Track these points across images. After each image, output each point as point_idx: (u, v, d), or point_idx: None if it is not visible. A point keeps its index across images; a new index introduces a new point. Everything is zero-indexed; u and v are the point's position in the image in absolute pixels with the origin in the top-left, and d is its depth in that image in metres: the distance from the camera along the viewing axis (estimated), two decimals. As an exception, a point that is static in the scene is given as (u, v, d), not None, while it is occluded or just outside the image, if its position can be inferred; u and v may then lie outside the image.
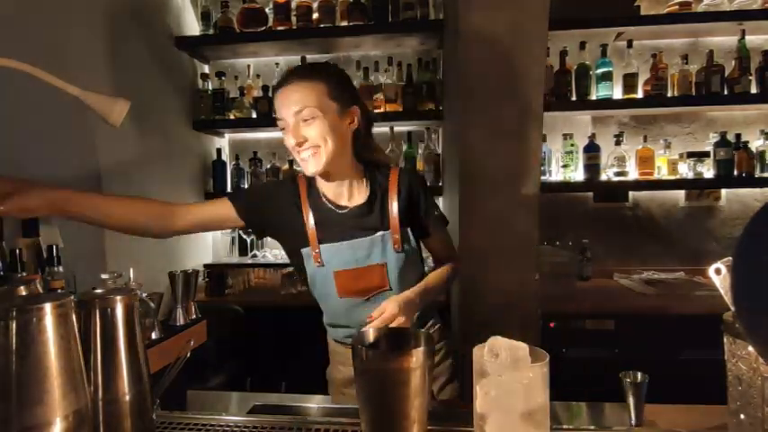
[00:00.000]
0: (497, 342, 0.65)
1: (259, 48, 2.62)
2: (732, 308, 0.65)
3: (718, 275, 0.64)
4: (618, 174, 2.40)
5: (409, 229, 1.18)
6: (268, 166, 2.63)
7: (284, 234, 1.23)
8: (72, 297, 0.61)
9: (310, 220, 1.16)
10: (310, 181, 1.21)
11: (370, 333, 0.76)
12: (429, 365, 0.68)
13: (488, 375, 0.62)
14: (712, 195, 2.57)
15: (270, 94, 2.56)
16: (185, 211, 1.19)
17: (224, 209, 1.18)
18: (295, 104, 1.08)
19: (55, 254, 1.34)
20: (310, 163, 1.10)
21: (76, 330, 0.61)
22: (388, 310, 1.02)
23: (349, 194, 1.18)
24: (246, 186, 1.32)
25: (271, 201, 1.21)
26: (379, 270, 1.14)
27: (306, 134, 1.08)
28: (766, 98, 2.29)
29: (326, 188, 1.19)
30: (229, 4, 2.54)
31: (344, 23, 2.46)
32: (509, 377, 0.61)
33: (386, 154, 1.25)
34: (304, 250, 1.17)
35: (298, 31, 2.47)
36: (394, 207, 1.16)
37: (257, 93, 2.62)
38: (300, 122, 1.08)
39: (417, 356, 0.65)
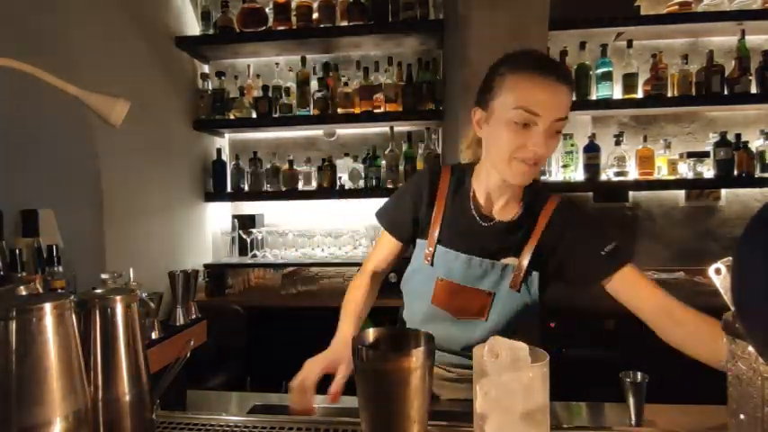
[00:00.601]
0: (497, 342, 0.65)
1: (259, 48, 2.62)
2: (732, 308, 0.64)
3: (719, 275, 0.64)
4: (618, 174, 2.40)
5: (538, 277, 1.04)
6: (268, 166, 2.63)
7: (419, 220, 1.13)
8: (72, 297, 0.61)
9: (440, 214, 1.07)
10: (461, 176, 1.10)
11: (370, 333, 0.75)
12: (429, 365, 0.66)
13: (488, 375, 0.62)
14: (712, 195, 2.57)
15: (270, 94, 2.57)
16: (382, 270, 1.20)
17: (392, 245, 1.17)
18: (562, 111, 0.91)
19: (55, 254, 1.34)
20: (525, 175, 0.94)
21: (76, 330, 0.61)
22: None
23: (502, 207, 1.06)
24: (387, 205, 1.20)
25: (408, 205, 1.13)
26: (484, 298, 1.03)
27: (548, 147, 0.92)
28: (766, 98, 2.29)
29: (482, 191, 1.06)
30: (229, 3, 2.54)
31: (344, 23, 2.46)
32: (509, 377, 0.61)
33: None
34: (420, 241, 1.10)
35: (298, 31, 2.47)
36: (535, 241, 1.03)
37: (257, 93, 2.62)
38: (551, 131, 0.91)
39: (417, 356, 0.64)
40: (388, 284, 2.35)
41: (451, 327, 1.07)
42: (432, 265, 1.07)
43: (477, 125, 1.01)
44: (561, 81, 0.90)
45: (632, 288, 1.00)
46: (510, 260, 1.04)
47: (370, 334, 0.74)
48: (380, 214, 1.20)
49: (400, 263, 1.22)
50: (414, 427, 0.65)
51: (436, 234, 1.07)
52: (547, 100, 0.89)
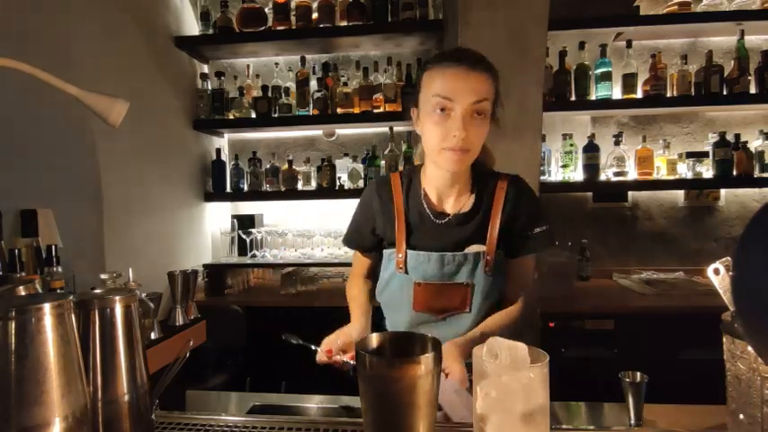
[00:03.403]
0: (497, 342, 0.64)
1: (258, 47, 2.62)
2: (731, 308, 0.65)
3: (717, 276, 0.64)
4: (617, 174, 2.40)
5: (503, 254, 1.08)
6: (267, 166, 2.63)
7: (380, 232, 1.14)
8: (71, 297, 0.61)
9: (402, 221, 1.08)
10: (411, 177, 1.12)
11: (374, 338, 0.72)
12: (437, 372, 0.64)
13: (488, 376, 0.62)
14: (711, 195, 2.57)
15: (269, 94, 2.57)
16: (368, 273, 1.24)
17: (365, 258, 1.22)
18: (476, 94, 0.94)
19: (54, 254, 1.33)
20: (456, 163, 0.97)
21: (75, 330, 0.61)
22: (456, 374, 0.91)
23: (455, 200, 1.07)
24: (348, 229, 1.20)
25: (362, 221, 1.16)
26: (464, 290, 1.05)
27: (472, 132, 0.95)
28: (765, 98, 2.29)
29: (432, 188, 1.08)
30: (229, 3, 2.54)
31: (344, 23, 2.46)
32: (509, 378, 0.60)
33: (493, 157, 1.15)
34: (387, 252, 1.10)
35: (297, 30, 2.47)
36: (496, 224, 1.05)
37: (257, 92, 2.62)
38: (471, 116, 0.95)
39: (425, 363, 0.61)
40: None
41: (438, 327, 1.08)
42: (406, 272, 1.07)
43: (415, 124, 1.05)
44: (473, 68, 0.94)
45: (516, 274, 1.11)
46: (476, 247, 1.06)
47: (374, 339, 0.72)
48: (345, 240, 1.23)
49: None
50: None
51: (403, 239, 1.07)
52: (459, 85, 0.94)
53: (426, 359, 0.62)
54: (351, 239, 1.20)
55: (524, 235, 1.07)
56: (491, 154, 1.15)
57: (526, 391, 0.60)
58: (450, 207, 1.08)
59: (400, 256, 1.07)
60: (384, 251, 1.12)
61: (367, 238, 1.16)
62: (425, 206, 1.08)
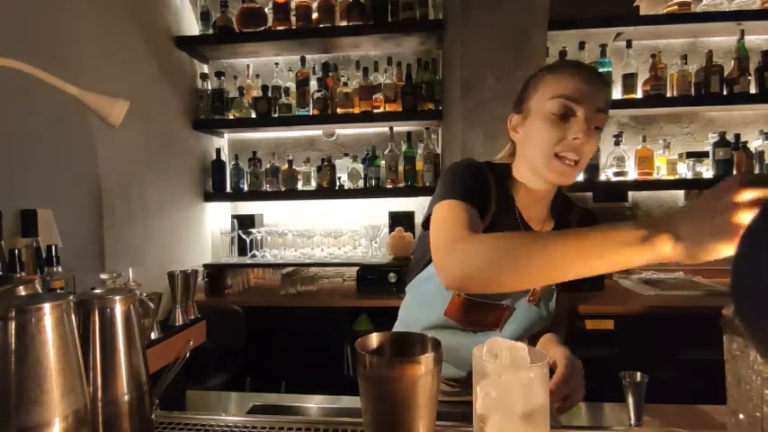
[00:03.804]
0: (497, 342, 0.64)
1: (258, 47, 2.62)
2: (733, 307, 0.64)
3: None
4: (617, 174, 2.40)
5: (556, 290, 1.04)
6: (267, 166, 2.63)
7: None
8: (71, 297, 0.61)
9: (486, 219, 0.96)
10: (503, 178, 1.01)
11: (374, 337, 0.71)
12: (437, 371, 0.63)
13: (488, 376, 0.62)
14: (711, 195, 2.57)
15: (269, 94, 2.57)
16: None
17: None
18: (601, 101, 0.88)
19: (54, 254, 1.33)
20: (565, 175, 0.90)
21: (75, 331, 0.61)
22: (577, 397, 0.88)
23: (536, 219, 1.01)
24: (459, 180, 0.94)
25: (485, 187, 0.98)
26: (501, 312, 1.00)
27: (589, 141, 0.88)
28: (765, 98, 2.29)
29: (525, 203, 0.99)
30: (229, 3, 2.54)
31: (344, 23, 2.46)
32: (509, 377, 0.60)
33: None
34: None
35: (297, 30, 2.47)
36: None
37: (256, 92, 2.62)
38: (591, 125, 0.88)
39: (426, 363, 0.61)
40: (388, 284, 2.38)
41: (459, 336, 1.03)
42: None
43: (513, 130, 0.98)
44: (598, 76, 0.89)
45: (559, 309, 1.08)
46: None
47: (374, 339, 0.71)
48: (465, 192, 0.90)
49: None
50: None
51: None
52: (586, 88, 0.87)
53: (426, 359, 0.61)
54: (472, 193, 0.91)
55: None
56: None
57: (526, 391, 0.60)
58: (535, 221, 1.01)
59: None
60: None
61: (483, 196, 0.96)
62: (517, 212, 0.98)
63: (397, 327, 1.20)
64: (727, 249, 0.54)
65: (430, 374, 0.62)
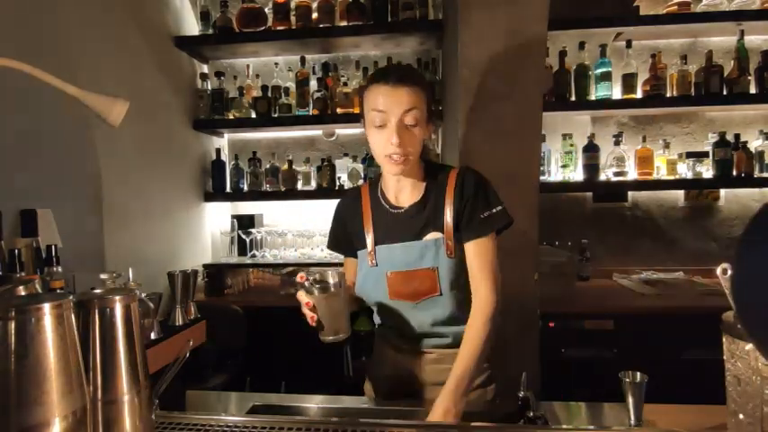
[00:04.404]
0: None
1: (258, 47, 2.62)
2: (734, 307, 0.65)
3: (725, 275, 0.65)
4: (617, 174, 2.40)
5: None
6: (267, 166, 2.63)
7: (354, 241, 1.25)
8: (71, 297, 0.61)
9: (369, 221, 1.21)
10: (375, 185, 1.25)
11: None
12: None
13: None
14: (711, 195, 2.57)
15: (269, 94, 2.57)
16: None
17: (351, 262, 1.28)
18: (404, 104, 1.07)
19: (54, 254, 1.33)
20: (397, 167, 1.10)
21: (75, 331, 0.61)
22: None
23: (409, 194, 1.19)
24: (329, 236, 1.34)
25: (345, 221, 1.27)
26: (431, 274, 1.13)
27: (406, 138, 1.07)
28: (765, 98, 2.29)
29: (388, 187, 1.21)
30: (228, 3, 2.54)
31: (344, 23, 2.46)
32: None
33: (435, 153, 1.23)
34: (360, 252, 1.21)
35: (297, 30, 2.47)
36: (448, 210, 1.14)
37: (256, 93, 2.62)
38: (404, 125, 1.08)
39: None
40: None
41: (414, 311, 1.16)
42: (376, 265, 1.17)
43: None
44: (399, 83, 1.06)
45: (472, 260, 1.13)
46: (433, 234, 1.14)
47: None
48: (328, 245, 1.35)
49: None
50: None
51: (371, 237, 1.19)
52: (388, 99, 1.07)
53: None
54: (332, 242, 1.34)
55: (471, 220, 1.13)
56: (429, 149, 1.27)
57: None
58: (406, 200, 1.19)
59: (370, 251, 1.18)
60: (359, 252, 1.22)
61: (346, 240, 1.27)
62: (383, 202, 1.21)
63: (376, 328, 1.35)
64: None
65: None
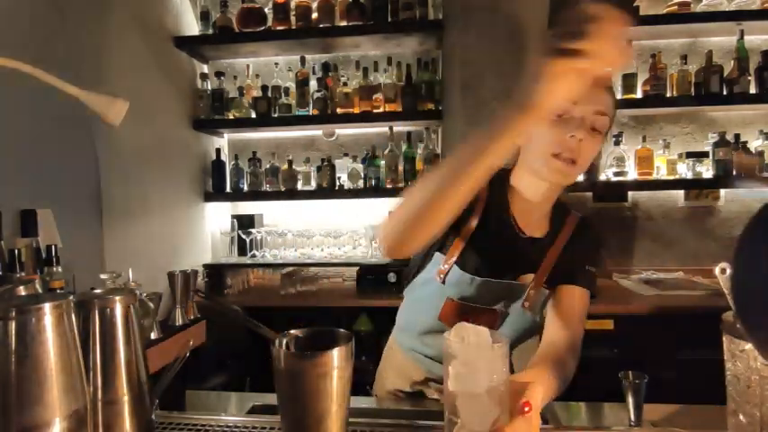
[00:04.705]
0: (463, 327, 0.69)
1: (258, 47, 2.62)
2: (733, 307, 0.65)
3: (724, 275, 0.65)
4: (617, 174, 2.40)
5: (547, 292, 1.02)
6: (267, 166, 2.63)
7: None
8: (71, 297, 0.61)
9: (469, 228, 0.99)
10: (499, 186, 1.02)
11: (292, 333, 0.73)
12: (346, 366, 0.67)
13: (457, 356, 0.67)
14: (711, 195, 2.57)
15: (269, 94, 2.57)
16: None
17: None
18: (601, 103, 0.89)
19: (54, 254, 1.33)
20: (563, 173, 0.91)
21: (75, 331, 0.61)
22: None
23: (533, 221, 1.01)
24: None
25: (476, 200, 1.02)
26: (494, 316, 1.00)
27: (586, 146, 0.89)
28: (765, 98, 2.29)
29: (521, 211, 1.01)
30: (228, 3, 2.54)
31: (343, 23, 2.46)
32: (474, 356, 0.66)
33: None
34: (437, 254, 1.02)
35: (297, 30, 2.47)
36: (554, 257, 1.00)
37: (256, 92, 2.62)
38: (590, 127, 0.89)
39: (335, 357, 0.66)
40: (387, 284, 2.37)
41: None
42: (443, 282, 1.01)
43: None
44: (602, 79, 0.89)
45: (564, 308, 1.01)
46: (527, 278, 1.01)
47: (292, 334, 0.73)
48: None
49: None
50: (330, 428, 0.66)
51: (456, 254, 1.00)
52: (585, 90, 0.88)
53: (333, 354, 0.65)
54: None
55: (579, 268, 1.01)
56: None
57: (489, 367, 0.65)
58: (529, 229, 1.01)
59: (445, 266, 1.00)
60: (436, 252, 1.03)
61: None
62: (509, 217, 1.00)
63: (395, 331, 1.21)
64: (550, 89, 0.65)
65: (339, 369, 0.66)
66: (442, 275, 1.01)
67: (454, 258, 1.00)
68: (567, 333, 0.97)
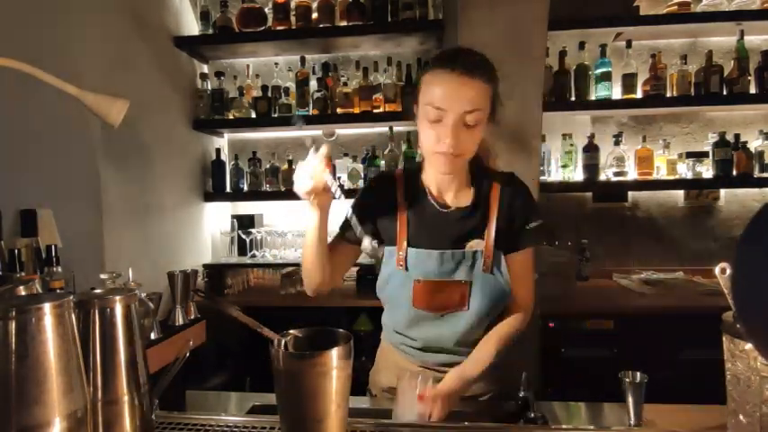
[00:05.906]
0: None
1: (258, 47, 2.62)
2: (733, 307, 0.65)
3: (724, 275, 0.65)
4: (617, 174, 2.40)
5: (502, 254, 1.10)
6: (267, 166, 2.63)
7: (381, 230, 1.14)
8: (71, 297, 0.61)
9: (404, 217, 1.10)
10: (412, 176, 1.14)
11: (291, 333, 0.75)
12: (345, 366, 0.68)
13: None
14: (711, 195, 2.57)
15: (269, 94, 2.57)
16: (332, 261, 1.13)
17: (344, 247, 1.15)
18: (469, 104, 0.95)
19: (54, 254, 1.33)
20: (447, 166, 1.01)
21: (75, 331, 0.61)
22: (435, 414, 0.95)
23: (454, 195, 1.10)
24: (352, 205, 1.13)
25: (375, 204, 1.14)
26: (462, 288, 1.06)
27: (462, 139, 0.97)
28: (765, 98, 2.29)
29: (432, 184, 1.11)
30: (228, 3, 2.54)
31: (343, 23, 2.46)
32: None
33: (492, 153, 1.16)
34: (388, 248, 1.11)
35: (297, 30, 2.47)
36: (493, 222, 1.07)
37: (256, 92, 2.62)
38: (463, 124, 0.96)
39: (334, 356, 0.66)
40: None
41: (437, 324, 1.09)
42: (406, 269, 1.08)
43: (416, 121, 1.07)
44: (468, 74, 0.95)
45: (516, 271, 1.10)
46: (475, 243, 1.08)
47: (291, 334, 0.75)
48: (342, 225, 1.16)
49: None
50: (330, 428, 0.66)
51: (405, 236, 1.09)
52: (450, 94, 0.95)
53: (332, 354, 0.66)
54: (344, 226, 1.15)
55: (521, 230, 1.09)
56: (490, 151, 1.16)
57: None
58: (451, 201, 1.10)
59: (401, 253, 1.09)
60: (386, 248, 1.12)
61: (368, 220, 1.13)
62: (429, 198, 1.10)
63: (383, 332, 1.25)
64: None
65: (338, 369, 0.66)
66: (401, 262, 1.09)
67: (405, 242, 1.09)
68: (513, 296, 1.10)
